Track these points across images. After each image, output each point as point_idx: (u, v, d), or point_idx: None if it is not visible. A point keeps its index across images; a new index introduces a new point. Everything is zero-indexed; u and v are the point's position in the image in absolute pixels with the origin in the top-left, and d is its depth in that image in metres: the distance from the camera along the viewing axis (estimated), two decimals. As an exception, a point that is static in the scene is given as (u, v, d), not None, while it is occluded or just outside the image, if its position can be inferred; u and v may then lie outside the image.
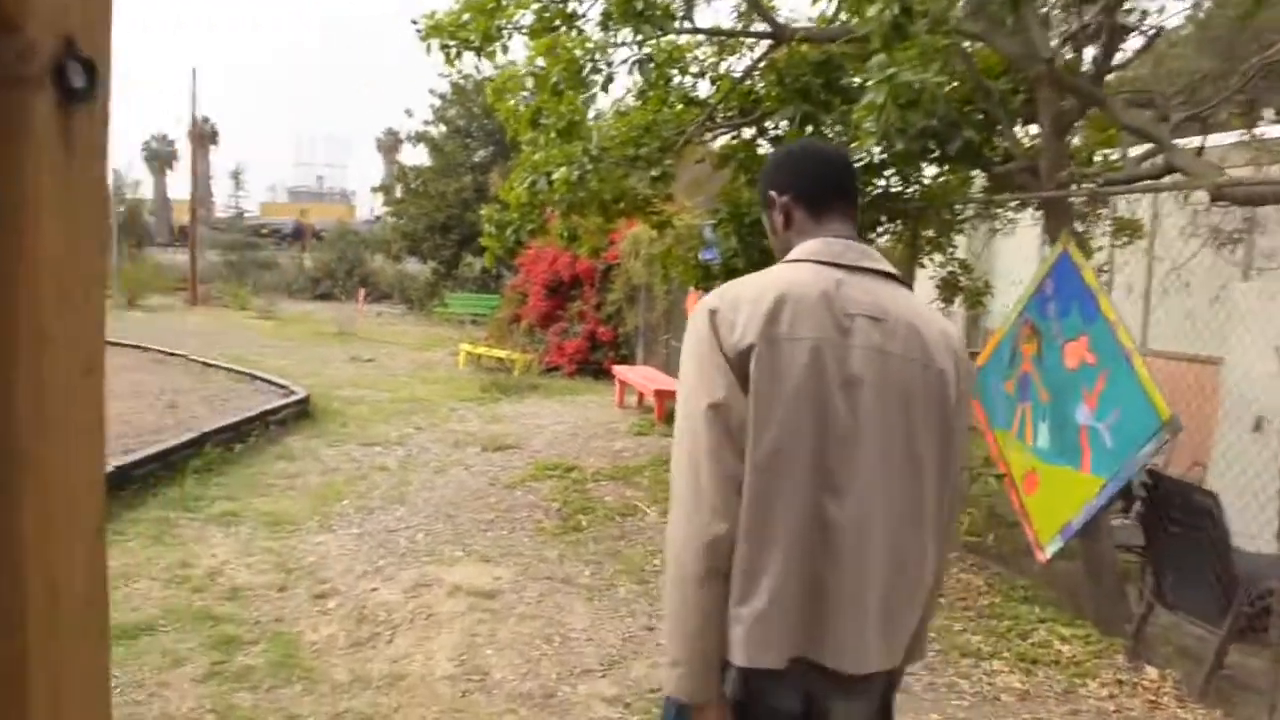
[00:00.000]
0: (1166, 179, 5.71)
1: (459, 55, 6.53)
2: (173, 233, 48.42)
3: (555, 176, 6.36)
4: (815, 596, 1.73)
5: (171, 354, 14.09)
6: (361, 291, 28.52)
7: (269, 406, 9.34)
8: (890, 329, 1.77)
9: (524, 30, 6.50)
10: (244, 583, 5.40)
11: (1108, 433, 4.88)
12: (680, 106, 7.47)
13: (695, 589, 1.72)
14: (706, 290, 6.90)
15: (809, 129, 6.69)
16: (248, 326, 21.68)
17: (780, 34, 6.56)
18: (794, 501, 1.71)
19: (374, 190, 30.27)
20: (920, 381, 1.78)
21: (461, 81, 26.95)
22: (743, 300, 1.77)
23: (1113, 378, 4.88)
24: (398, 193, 28.19)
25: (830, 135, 6.75)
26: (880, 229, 7.49)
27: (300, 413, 10.06)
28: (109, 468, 6.70)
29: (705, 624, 1.73)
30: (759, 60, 7.03)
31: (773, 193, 1.98)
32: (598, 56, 6.07)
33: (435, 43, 6.43)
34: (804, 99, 6.66)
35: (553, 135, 6.53)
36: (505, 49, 6.56)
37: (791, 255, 1.89)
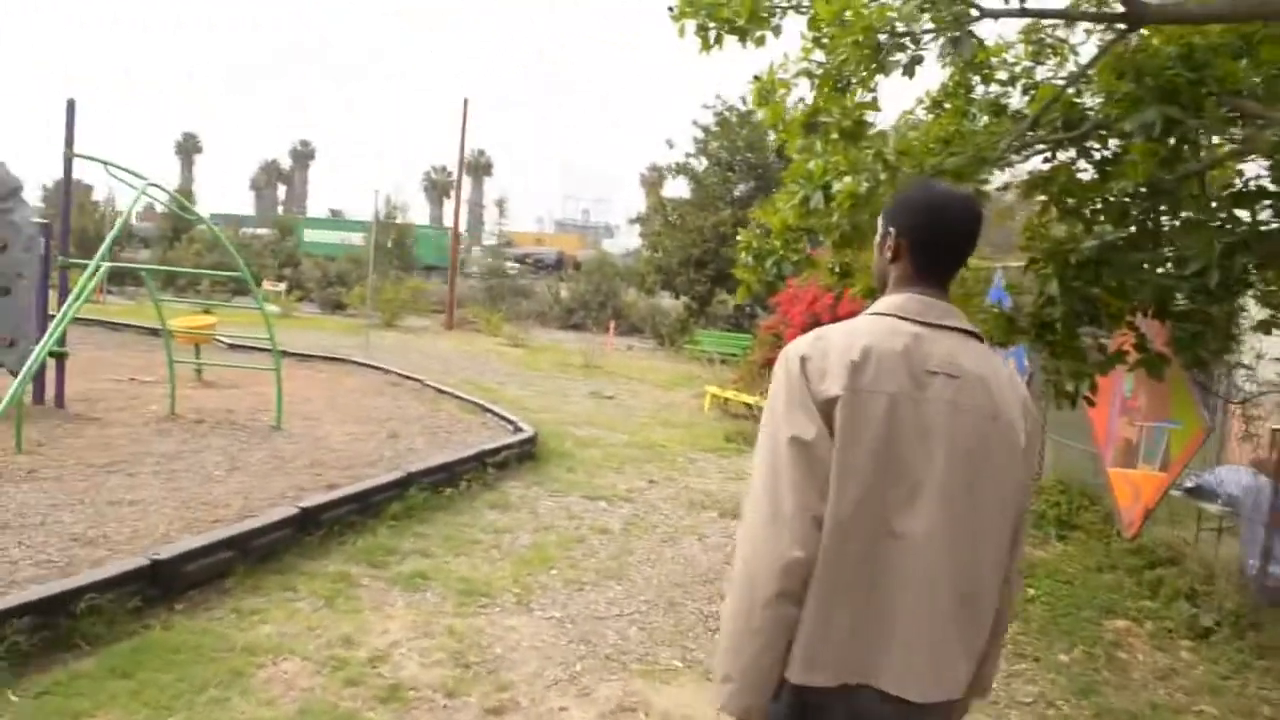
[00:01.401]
0: None
1: (718, 40, 5.30)
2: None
3: (837, 189, 5.00)
4: (879, 625, 1.84)
5: (409, 377, 13.68)
6: (612, 324, 28.11)
7: (487, 447, 8.43)
8: (963, 384, 1.92)
9: (803, 8, 5.19)
10: (409, 677, 4.31)
11: None
12: (986, 119, 5.95)
13: (762, 610, 1.84)
14: (1004, 345, 5.71)
15: (1171, 140, 5.02)
16: (495, 353, 21.48)
17: (1135, 13, 4.92)
18: (866, 540, 1.84)
19: (630, 222, 29.90)
20: (991, 432, 1.92)
21: (725, 113, 26.15)
22: (832, 350, 1.91)
23: None
24: (655, 225, 27.58)
25: (1202, 145, 5.07)
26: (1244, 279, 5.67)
27: (524, 453, 9.12)
28: (293, 510, 5.87)
29: (766, 645, 1.85)
30: (1101, 54, 5.39)
31: (892, 229, 2.09)
32: (901, 27, 4.65)
33: (690, 25, 5.24)
34: (1167, 100, 4.98)
35: (833, 137, 5.18)
36: (777, 32, 5.27)
37: (878, 308, 2.03)
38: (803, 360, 1.92)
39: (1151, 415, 6.17)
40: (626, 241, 51.38)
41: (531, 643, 4.86)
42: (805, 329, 11.42)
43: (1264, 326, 5.10)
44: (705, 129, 26.63)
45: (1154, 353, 5.62)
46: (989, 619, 1.97)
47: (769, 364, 15.11)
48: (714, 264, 25.53)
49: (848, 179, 4.97)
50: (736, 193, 26.63)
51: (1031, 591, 6.20)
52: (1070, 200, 5.48)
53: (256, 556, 5.46)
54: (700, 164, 26.70)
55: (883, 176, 4.85)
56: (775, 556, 1.82)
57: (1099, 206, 5.55)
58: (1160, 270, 5.05)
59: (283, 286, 31.25)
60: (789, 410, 1.89)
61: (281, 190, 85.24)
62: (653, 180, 58.74)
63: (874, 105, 5.16)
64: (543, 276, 37.86)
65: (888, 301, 2.02)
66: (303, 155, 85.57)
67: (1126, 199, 5.27)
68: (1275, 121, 4.59)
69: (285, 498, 6.48)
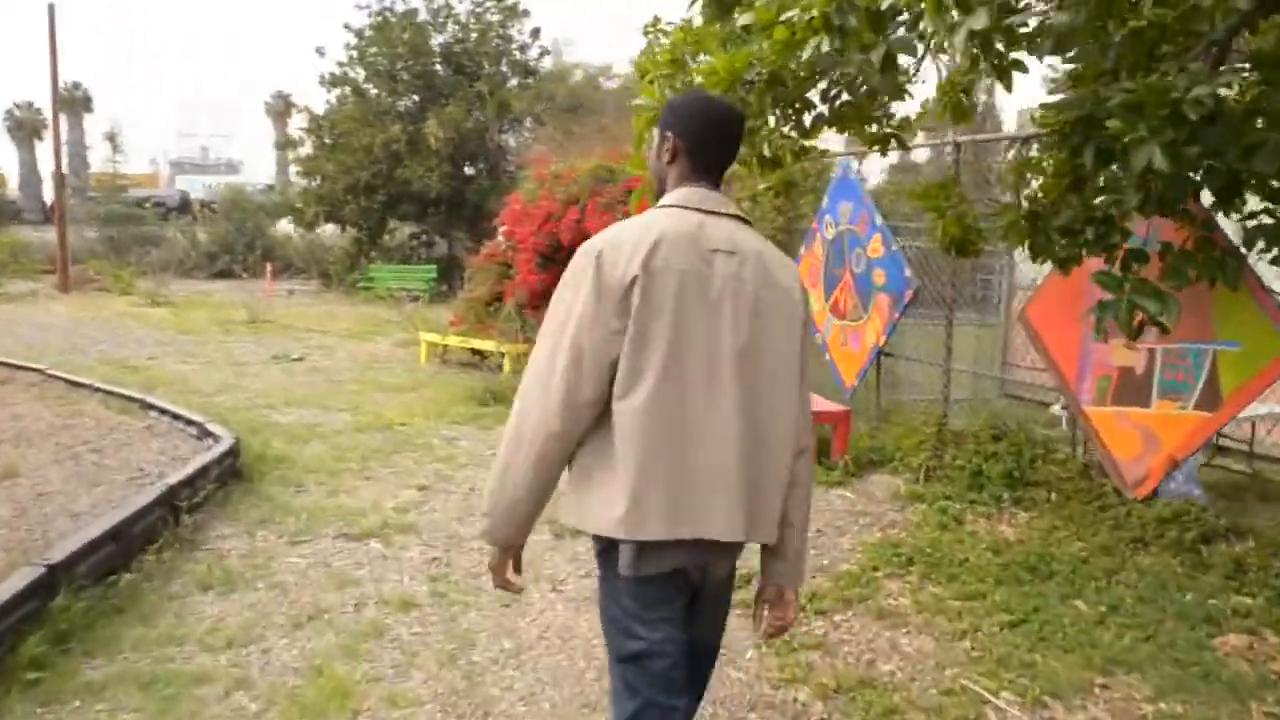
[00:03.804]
0: None
1: None
2: (46, 210, 42.79)
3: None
4: (694, 477, 2.10)
5: (22, 367, 9.82)
6: (269, 267, 24.11)
7: (174, 480, 5.38)
8: (743, 260, 2.18)
9: None
10: None
11: None
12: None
13: (523, 466, 2.13)
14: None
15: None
16: (133, 316, 17.22)
17: None
18: (672, 403, 2.08)
19: (279, 147, 25.67)
20: (768, 298, 2.20)
21: (387, 14, 22.75)
22: (627, 241, 2.13)
23: None
24: (308, 148, 23.73)
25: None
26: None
27: (227, 471, 6.14)
28: None
29: (524, 495, 2.14)
30: None
31: (670, 134, 2.30)
32: None
33: None
34: None
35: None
36: None
37: (666, 201, 2.27)
38: (599, 254, 2.12)
39: (1177, 335, 4.45)
40: (252, 176, 45.65)
41: None
42: (542, 253, 9.07)
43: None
44: (360, 34, 23.02)
45: (1224, 251, 3.89)
46: (782, 460, 2.22)
47: (497, 299, 12.62)
48: (386, 188, 22.28)
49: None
50: (402, 106, 23.37)
51: (1080, 607, 4.36)
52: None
53: None
54: (359, 74, 23.12)
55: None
56: (540, 424, 2.09)
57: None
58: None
59: None
60: (580, 298, 2.10)
61: None
62: (280, 110, 53.28)
63: None
64: (170, 221, 32.33)
65: (674, 195, 2.26)
66: None
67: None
68: None
69: None
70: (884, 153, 4.81)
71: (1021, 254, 8.67)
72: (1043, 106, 4.50)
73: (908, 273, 6.73)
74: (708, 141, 2.28)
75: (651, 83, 4.05)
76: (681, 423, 2.08)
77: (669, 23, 5.56)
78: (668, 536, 2.07)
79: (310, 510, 5.76)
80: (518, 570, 2.32)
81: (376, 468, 6.94)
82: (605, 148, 15.28)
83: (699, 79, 3.49)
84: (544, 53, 24.59)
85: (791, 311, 2.23)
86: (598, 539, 2.17)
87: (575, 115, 22.99)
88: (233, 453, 6.36)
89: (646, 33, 5.54)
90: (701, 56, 3.95)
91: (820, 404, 6.86)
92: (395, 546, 5.22)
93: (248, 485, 6.20)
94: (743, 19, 3.30)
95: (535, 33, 24.26)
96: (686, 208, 2.21)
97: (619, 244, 2.12)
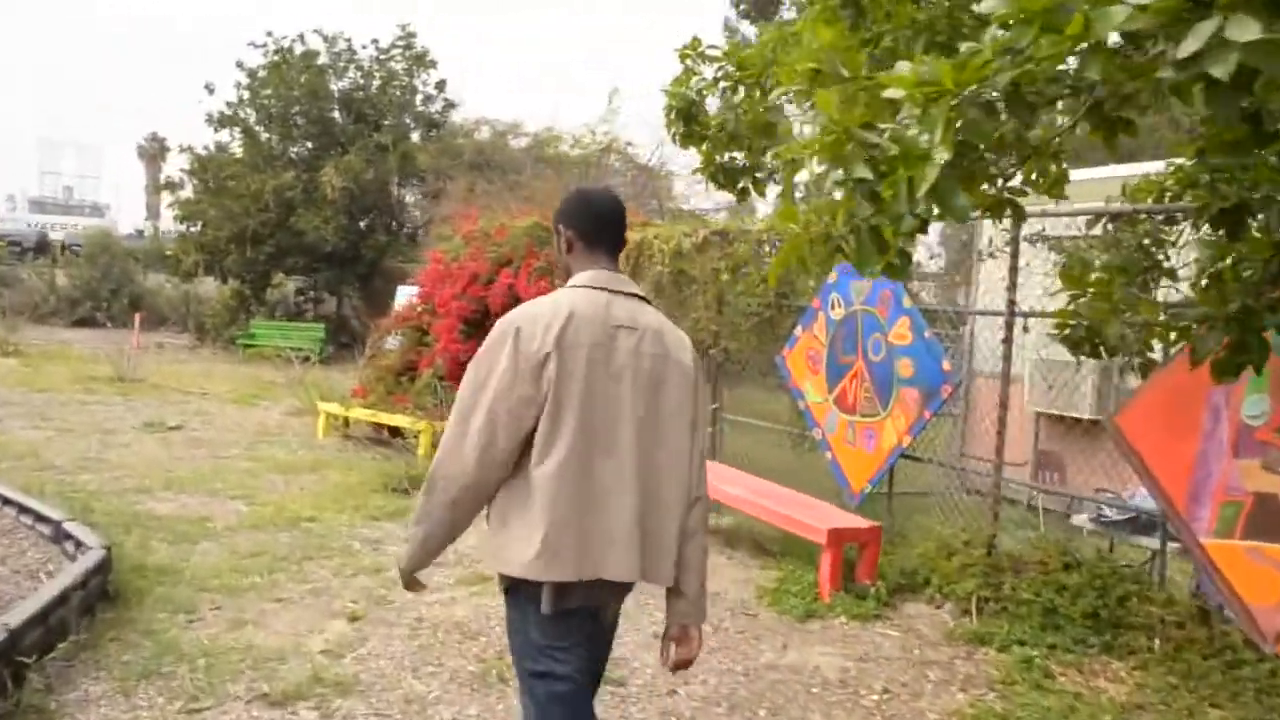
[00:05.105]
0: None
1: None
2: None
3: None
4: (599, 526, 2.36)
5: None
6: (138, 317, 21.96)
7: (15, 623, 3.87)
8: (643, 334, 2.45)
9: None
10: None
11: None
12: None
13: (439, 509, 2.41)
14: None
15: None
16: (-25, 367, 15.14)
17: None
18: (579, 463, 2.35)
19: (159, 189, 23.55)
20: (665, 369, 2.47)
21: (282, 55, 21.29)
22: (541, 318, 2.38)
23: None
24: (188, 191, 21.82)
25: None
26: None
27: (94, 593, 4.66)
28: None
29: (435, 532, 2.45)
30: None
31: (561, 225, 2.60)
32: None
33: None
34: None
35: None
36: None
37: (574, 283, 2.51)
38: (518, 330, 2.37)
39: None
40: (120, 220, 42.66)
41: None
42: (466, 319, 7.98)
43: None
44: (252, 73, 21.41)
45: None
46: (674, 512, 2.49)
47: (412, 369, 11.23)
48: (275, 238, 20.56)
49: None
50: (295, 153, 21.77)
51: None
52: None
53: None
54: (249, 115, 21.45)
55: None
56: (456, 475, 2.37)
57: None
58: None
59: None
60: (499, 368, 2.35)
61: None
62: (153, 153, 50.68)
63: None
64: (26, 262, 29.61)
65: (581, 277, 2.50)
66: None
67: None
68: None
69: None
70: (997, 219, 3.78)
71: (989, 336, 7.83)
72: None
73: (946, 364, 5.73)
74: (596, 230, 2.56)
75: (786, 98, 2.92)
76: (588, 483, 2.36)
77: (711, 46, 4.53)
78: (575, 578, 2.34)
79: (210, 653, 4.33)
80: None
81: (288, 583, 5.51)
82: (520, 206, 14.17)
83: (891, 91, 2.35)
84: (449, 105, 23.37)
85: (684, 380, 2.50)
86: (504, 578, 2.44)
87: (482, 173, 21.80)
88: (102, 568, 4.87)
89: (684, 57, 4.49)
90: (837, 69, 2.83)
91: (841, 518, 5.77)
92: (336, 717, 3.84)
93: (122, 612, 4.73)
94: (987, 3, 2.19)
95: (440, 85, 23.06)
96: (594, 288, 2.46)
97: (535, 319, 2.38)
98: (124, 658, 4.22)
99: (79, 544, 5.16)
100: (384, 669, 4.36)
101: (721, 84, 4.41)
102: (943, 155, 2.24)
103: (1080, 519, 6.75)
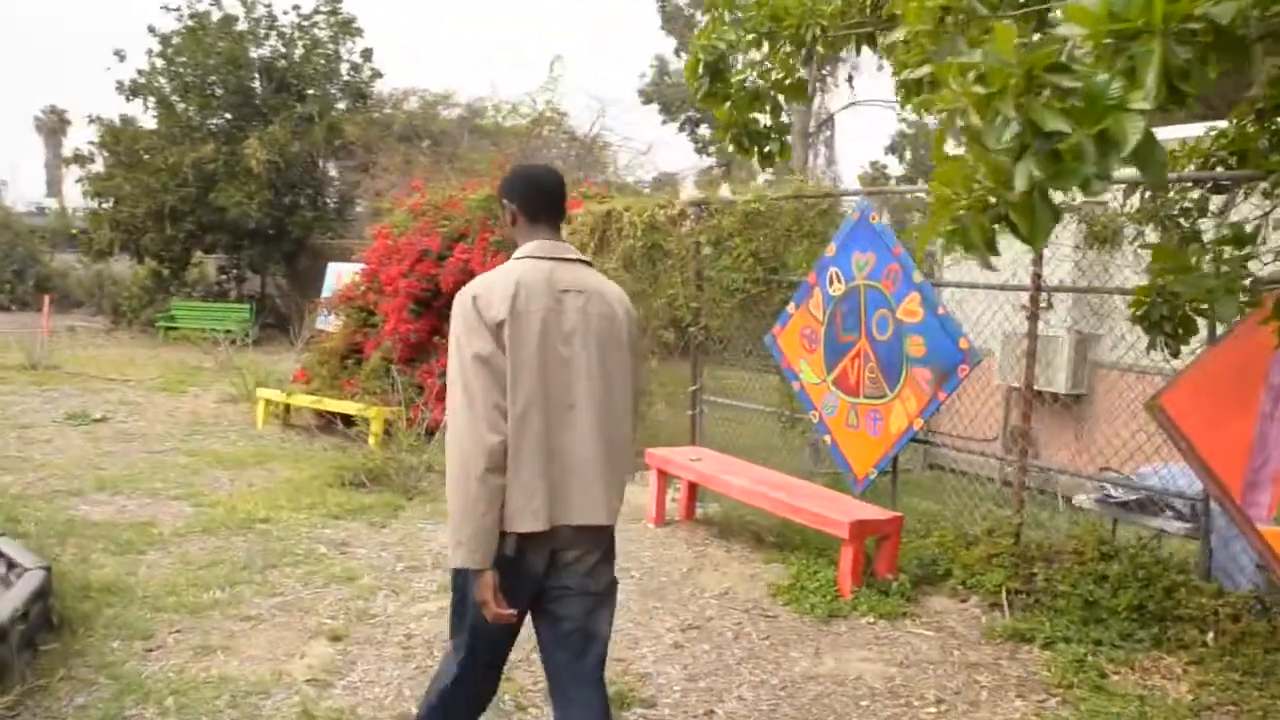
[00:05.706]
0: None
1: None
2: None
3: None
4: (565, 477, 2.56)
5: None
6: (47, 300, 20.71)
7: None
8: (589, 297, 2.66)
9: None
10: None
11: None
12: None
13: (477, 484, 2.46)
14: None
15: None
16: None
17: None
18: (541, 418, 2.53)
19: (67, 162, 22.13)
20: (610, 328, 2.68)
21: (197, 20, 20.17)
22: (495, 288, 2.57)
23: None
24: (99, 165, 20.58)
25: None
26: None
27: (40, 624, 4.06)
28: None
29: (485, 510, 2.46)
30: None
31: (505, 200, 2.83)
32: None
33: None
34: None
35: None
36: None
37: (520, 254, 2.71)
38: (474, 299, 2.56)
39: None
40: (17, 196, 40.47)
41: None
42: (416, 297, 7.35)
43: None
44: (166, 40, 20.23)
45: None
46: (628, 459, 2.77)
47: (357, 351, 10.57)
48: (196, 214, 19.52)
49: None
50: (215, 124, 20.66)
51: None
52: None
53: None
54: (164, 85, 20.27)
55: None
56: (478, 442, 2.46)
57: None
58: None
59: None
60: (470, 336, 2.53)
61: None
62: (52, 126, 48.36)
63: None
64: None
65: (525, 249, 2.71)
66: None
67: None
68: None
69: None
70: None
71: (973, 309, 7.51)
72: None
73: (963, 343, 5.36)
74: (537, 203, 2.78)
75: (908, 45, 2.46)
76: (548, 440, 2.55)
77: (740, -9, 4.07)
78: (546, 526, 2.53)
79: (179, 690, 3.77)
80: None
81: (254, 597, 4.94)
82: (461, 179, 13.52)
83: (1067, 28, 1.90)
84: (375, 75, 22.39)
85: (624, 335, 2.73)
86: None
87: (413, 144, 20.96)
88: (43, 592, 4.25)
89: (710, 7, 4.01)
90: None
91: (859, 510, 5.38)
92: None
93: (69, 643, 4.12)
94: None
95: (367, 54, 22.07)
96: (538, 257, 2.68)
97: (491, 288, 2.59)
98: (78, 700, 3.65)
99: (11, 564, 4.53)
100: (381, 698, 3.84)
101: (751, 35, 3.96)
102: (1145, 105, 1.82)
103: (1081, 498, 6.50)
